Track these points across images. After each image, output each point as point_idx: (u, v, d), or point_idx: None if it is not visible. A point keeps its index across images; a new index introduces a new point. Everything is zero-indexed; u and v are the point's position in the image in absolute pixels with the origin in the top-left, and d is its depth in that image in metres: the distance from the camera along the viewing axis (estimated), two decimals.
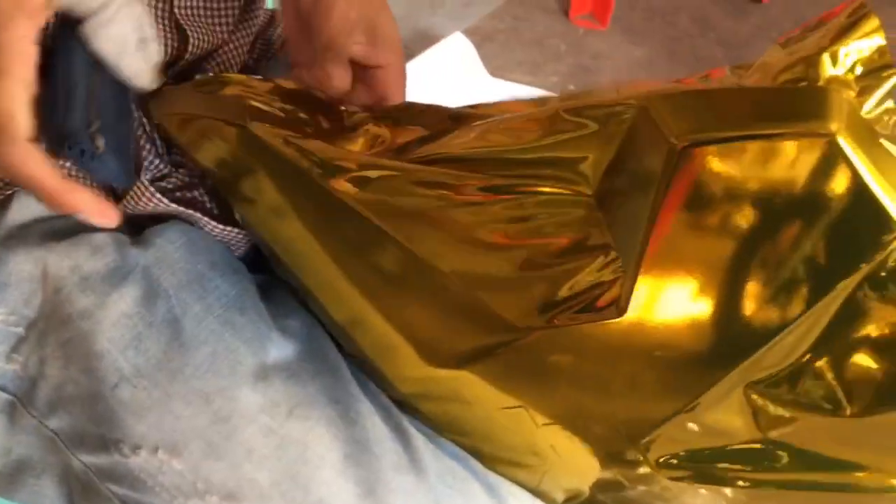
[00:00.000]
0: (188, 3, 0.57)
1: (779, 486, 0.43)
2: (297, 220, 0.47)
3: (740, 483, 0.43)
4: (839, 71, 0.37)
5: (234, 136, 0.47)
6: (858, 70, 0.37)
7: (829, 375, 0.40)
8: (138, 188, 0.51)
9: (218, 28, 0.59)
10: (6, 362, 0.51)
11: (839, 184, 0.34)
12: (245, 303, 0.51)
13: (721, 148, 0.34)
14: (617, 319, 0.38)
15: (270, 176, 0.47)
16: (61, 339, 0.50)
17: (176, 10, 0.56)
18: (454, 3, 2.04)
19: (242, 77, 0.52)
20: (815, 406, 0.40)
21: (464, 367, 0.45)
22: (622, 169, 0.39)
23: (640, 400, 0.42)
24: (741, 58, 2.06)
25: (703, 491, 0.44)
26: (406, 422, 0.50)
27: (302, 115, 0.51)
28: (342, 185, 0.44)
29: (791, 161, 0.34)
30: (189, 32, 0.57)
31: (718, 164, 0.34)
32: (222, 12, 0.60)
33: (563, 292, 0.39)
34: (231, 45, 0.63)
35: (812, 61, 0.37)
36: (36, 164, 0.40)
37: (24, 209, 0.53)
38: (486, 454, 0.49)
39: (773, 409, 0.40)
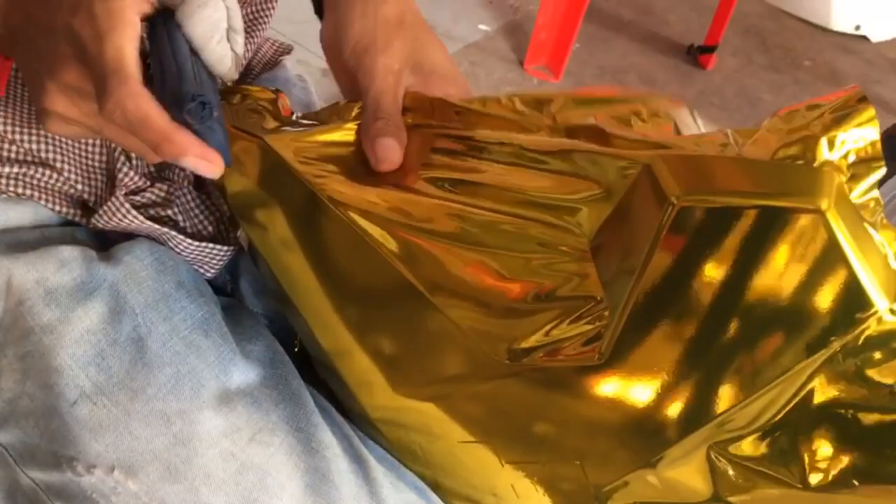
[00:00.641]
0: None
1: None
2: (302, 255, 0.48)
3: None
4: (834, 156, 0.40)
5: (256, 164, 0.48)
6: (851, 158, 0.40)
7: (792, 446, 0.42)
8: (113, 203, 0.51)
9: (258, 33, 0.61)
10: None
11: (825, 260, 0.36)
12: (210, 325, 0.51)
13: (716, 211, 0.36)
14: (591, 368, 0.40)
15: (284, 210, 0.48)
16: (20, 351, 0.49)
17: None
18: None
19: (256, 88, 0.53)
20: (775, 475, 0.42)
21: (432, 399, 0.46)
22: (619, 221, 0.41)
23: (606, 449, 0.43)
24: None
25: None
26: (367, 452, 0.50)
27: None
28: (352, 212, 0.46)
29: (785, 232, 0.36)
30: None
31: (714, 228, 0.36)
32: (265, 18, 0.62)
33: (548, 335, 0.41)
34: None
35: (810, 143, 0.40)
36: (148, 103, 0.40)
37: None
38: (447, 488, 0.49)
39: (734, 474, 0.42)
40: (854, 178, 0.40)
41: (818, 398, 0.41)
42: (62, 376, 0.48)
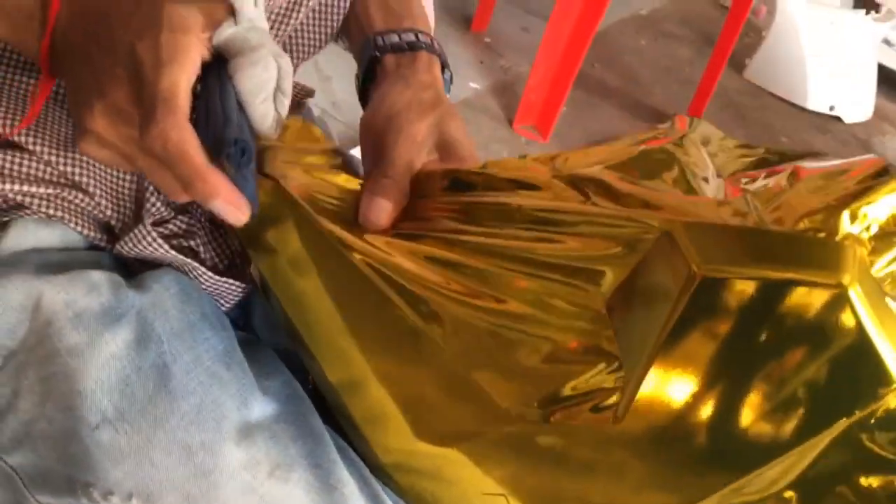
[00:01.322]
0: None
1: None
2: (316, 276, 0.48)
3: None
4: (856, 229, 0.41)
5: (269, 185, 0.49)
6: (874, 230, 0.41)
7: None
8: (139, 231, 0.52)
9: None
10: None
11: (845, 333, 0.37)
12: (232, 358, 0.51)
13: (738, 282, 0.37)
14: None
15: (297, 228, 0.48)
16: (43, 373, 0.49)
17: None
18: None
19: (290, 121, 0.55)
20: None
21: (452, 444, 0.46)
22: (637, 284, 0.42)
23: (622, 489, 0.43)
24: None
25: None
26: (382, 493, 0.50)
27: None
28: (362, 257, 0.47)
29: (806, 306, 0.37)
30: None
31: (736, 286, 0.37)
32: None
33: (565, 391, 0.41)
34: None
35: (832, 214, 0.41)
36: (191, 138, 0.40)
37: (20, 237, 0.52)
38: None
39: None
40: (875, 251, 0.41)
41: (835, 466, 0.42)
42: (85, 400, 0.48)
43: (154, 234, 0.52)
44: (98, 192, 0.53)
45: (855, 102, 2.82)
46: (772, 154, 0.57)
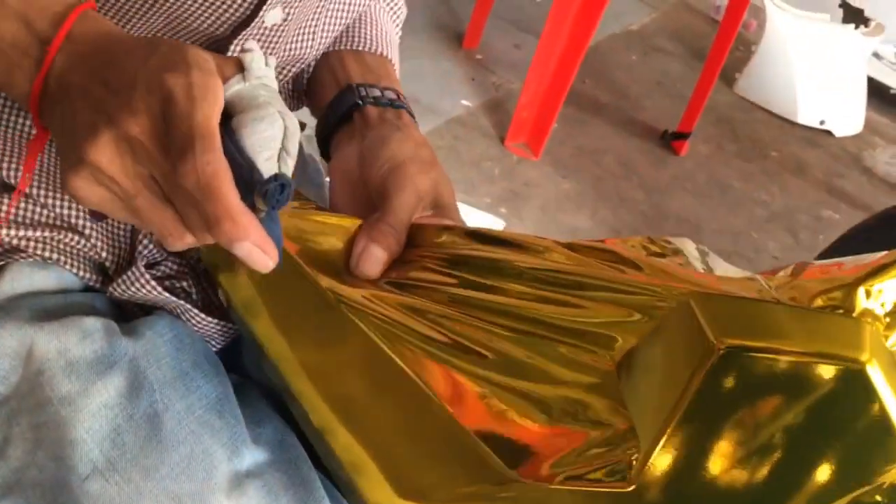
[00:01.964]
0: None
1: None
2: (269, 320, 0.48)
3: None
4: (872, 305, 0.41)
5: None
6: (889, 306, 0.42)
7: None
8: (133, 273, 0.52)
9: None
10: None
11: (864, 411, 0.37)
12: (224, 406, 0.51)
13: (757, 357, 0.37)
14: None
15: (248, 272, 0.48)
16: (35, 421, 0.49)
17: None
18: None
19: None
20: None
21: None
22: (650, 354, 0.41)
23: None
24: (660, 203, 2.20)
25: None
26: None
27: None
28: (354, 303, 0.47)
29: (824, 382, 0.37)
30: None
31: (753, 374, 0.37)
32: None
33: (571, 458, 0.41)
34: None
35: (849, 291, 0.41)
36: (226, 176, 0.39)
37: (15, 281, 0.52)
38: None
39: None
40: (890, 326, 0.41)
41: None
42: (76, 450, 0.48)
43: (147, 276, 0.52)
44: (94, 234, 0.54)
45: (845, 116, 2.84)
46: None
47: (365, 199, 0.57)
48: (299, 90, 0.68)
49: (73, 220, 0.53)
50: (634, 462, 0.39)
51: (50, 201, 0.52)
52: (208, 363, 0.53)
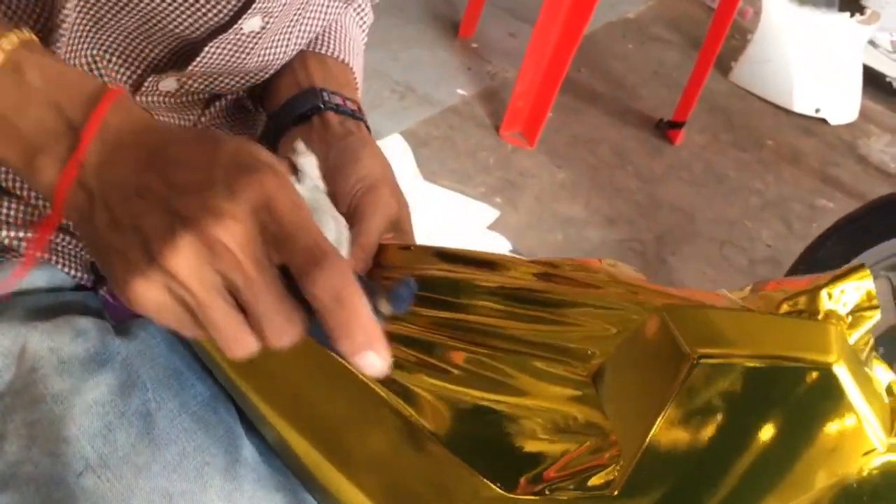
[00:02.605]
0: (152, 98, 0.59)
1: None
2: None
3: None
4: (835, 306, 0.42)
5: None
6: (850, 306, 0.43)
7: None
8: None
9: (179, 119, 0.62)
10: None
11: (834, 409, 0.39)
12: (219, 403, 0.52)
13: (730, 364, 0.38)
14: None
15: None
16: (29, 418, 0.50)
17: (138, 100, 0.58)
18: (392, 103, 2.11)
19: None
20: None
21: None
22: (626, 365, 0.42)
23: None
24: (655, 192, 2.21)
25: None
26: None
27: None
28: None
29: (795, 384, 0.38)
30: None
31: (727, 380, 0.38)
32: (187, 108, 0.62)
33: (557, 470, 0.42)
34: None
35: (812, 296, 0.42)
36: (356, 288, 0.37)
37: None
38: None
39: None
40: (852, 325, 0.42)
41: None
42: (70, 447, 0.49)
43: None
44: None
45: (840, 104, 2.84)
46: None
47: None
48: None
49: (65, 222, 0.53)
50: (618, 469, 0.40)
51: (41, 202, 0.53)
52: (201, 364, 0.54)
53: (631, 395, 0.41)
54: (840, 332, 0.40)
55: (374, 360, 0.37)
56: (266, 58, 0.58)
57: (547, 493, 0.42)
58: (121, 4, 0.50)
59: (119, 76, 0.56)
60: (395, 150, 1.71)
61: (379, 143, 0.61)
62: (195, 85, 0.58)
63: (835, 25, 2.79)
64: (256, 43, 0.55)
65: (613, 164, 2.26)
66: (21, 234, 0.53)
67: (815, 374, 0.38)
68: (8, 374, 0.51)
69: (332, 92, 0.61)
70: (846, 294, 0.42)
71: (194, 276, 0.37)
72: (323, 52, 0.64)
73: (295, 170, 0.43)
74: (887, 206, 1.38)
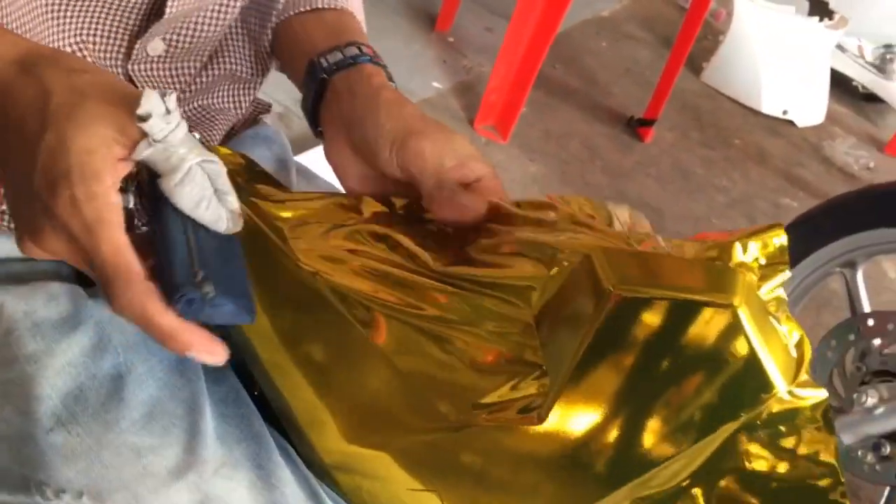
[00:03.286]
0: (144, 66, 0.61)
1: None
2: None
3: None
4: (747, 258, 0.46)
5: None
6: (762, 261, 0.47)
7: (701, 499, 0.48)
8: None
9: (173, 87, 0.64)
10: None
11: (736, 348, 0.43)
12: (185, 364, 0.55)
13: (646, 301, 0.42)
14: (532, 428, 0.45)
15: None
16: (2, 378, 0.52)
17: (129, 69, 0.60)
18: None
19: (227, 151, 0.56)
20: None
21: (379, 448, 0.50)
22: (561, 303, 0.46)
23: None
24: (623, 188, 2.25)
25: None
26: (322, 492, 0.54)
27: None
28: (306, 258, 0.50)
29: (703, 322, 0.42)
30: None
31: (644, 316, 0.42)
32: (179, 74, 0.64)
33: (494, 397, 0.46)
34: (182, 104, 0.66)
35: (726, 247, 0.46)
36: (154, 304, 0.41)
37: None
38: None
39: None
40: (763, 277, 0.46)
41: (727, 459, 0.48)
42: (41, 404, 0.51)
43: None
44: None
45: (807, 107, 2.90)
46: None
47: (381, 183, 0.58)
48: (263, 52, 0.69)
49: None
50: (545, 401, 0.44)
51: None
52: None
53: (561, 330, 0.45)
54: (747, 281, 0.44)
55: (201, 356, 0.42)
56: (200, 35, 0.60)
57: (481, 421, 0.46)
58: None
59: (107, 51, 0.59)
60: None
61: None
62: (180, 42, 0.60)
63: (804, 30, 2.85)
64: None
65: (584, 159, 2.30)
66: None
67: (720, 314, 0.42)
68: None
69: (330, 51, 0.61)
70: (759, 249, 0.46)
71: (56, 255, 0.43)
72: (317, 5, 0.65)
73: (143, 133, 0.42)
74: (843, 206, 1.43)
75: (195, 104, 0.67)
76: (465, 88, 2.32)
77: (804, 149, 2.79)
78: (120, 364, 0.53)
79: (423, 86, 2.26)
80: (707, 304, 0.43)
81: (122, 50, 0.59)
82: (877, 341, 1.25)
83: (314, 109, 0.62)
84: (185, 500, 0.51)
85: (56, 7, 0.54)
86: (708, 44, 3.01)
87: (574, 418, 0.45)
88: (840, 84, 3.10)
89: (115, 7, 0.56)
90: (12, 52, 0.45)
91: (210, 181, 0.43)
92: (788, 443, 0.48)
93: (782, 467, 0.48)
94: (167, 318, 0.41)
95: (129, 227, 0.42)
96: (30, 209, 0.43)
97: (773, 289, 0.47)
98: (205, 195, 0.43)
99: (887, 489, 1.27)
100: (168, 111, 0.41)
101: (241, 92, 0.70)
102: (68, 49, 0.57)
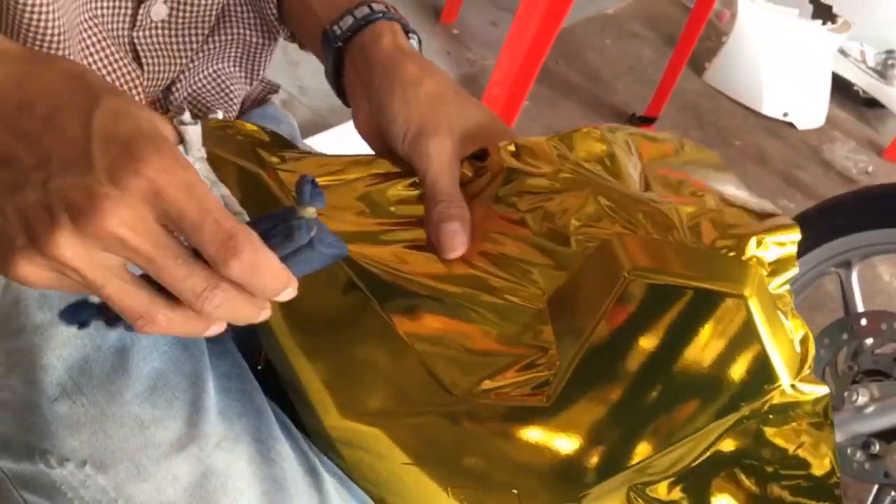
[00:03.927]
0: (148, 32, 0.61)
1: None
2: None
3: None
4: (759, 253, 0.47)
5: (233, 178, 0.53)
6: (773, 257, 0.48)
7: (701, 491, 0.49)
8: None
9: (177, 55, 0.64)
10: None
11: (744, 338, 0.44)
12: (189, 340, 0.56)
13: (659, 287, 0.43)
14: (537, 406, 0.46)
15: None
16: (9, 347, 0.53)
17: (134, 37, 0.61)
18: None
19: (253, 127, 0.56)
20: None
21: (374, 425, 0.51)
22: (575, 286, 0.47)
23: (532, 487, 0.49)
24: None
25: None
26: (321, 466, 0.55)
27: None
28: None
29: (713, 311, 0.43)
30: (144, 60, 0.62)
31: (655, 301, 0.44)
32: (183, 41, 0.64)
33: (505, 378, 0.47)
34: (194, 73, 0.67)
35: (742, 239, 0.47)
36: (270, 256, 0.37)
37: None
38: None
39: None
40: (773, 272, 0.47)
41: (725, 453, 0.49)
42: (46, 374, 0.52)
43: None
44: None
45: (808, 110, 2.91)
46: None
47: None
48: (269, 17, 0.67)
49: None
50: (553, 383, 0.45)
51: None
52: None
53: (574, 310, 0.46)
54: (760, 274, 0.45)
55: (287, 294, 0.38)
56: None
57: (491, 397, 0.47)
58: None
59: (114, 19, 0.59)
60: None
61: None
62: (185, 7, 0.60)
63: (807, 33, 2.86)
64: None
65: None
66: None
67: (731, 302, 0.43)
68: None
69: (341, 17, 0.59)
70: (771, 246, 0.47)
71: (82, 262, 0.35)
72: None
73: (181, 138, 0.41)
74: (839, 206, 1.44)
75: (210, 69, 0.68)
76: (468, 81, 2.33)
77: (803, 151, 2.80)
78: (125, 336, 0.54)
79: None
80: (719, 293, 0.44)
81: (128, 17, 0.60)
82: (869, 341, 1.26)
83: (337, 82, 0.61)
84: (186, 471, 0.52)
85: None
86: (711, 44, 3.02)
87: (579, 399, 0.46)
88: (841, 88, 3.11)
89: None
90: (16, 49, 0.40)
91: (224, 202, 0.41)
92: (789, 434, 0.49)
93: (781, 458, 0.49)
94: (278, 263, 0.37)
95: None
96: (37, 192, 0.35)
97: (781, 284, 0.48)
98: None
99: (875, 487, 1.28)
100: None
101: (253, 58, 0.70)
102: (80, 23, 0.57)
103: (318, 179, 0.38)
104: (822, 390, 0.47)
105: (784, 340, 0.46)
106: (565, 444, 0.47)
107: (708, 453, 0.49)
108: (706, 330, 0.44)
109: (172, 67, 0.65)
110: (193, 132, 0.41)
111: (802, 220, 1.47)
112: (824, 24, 2.86)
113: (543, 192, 0.51)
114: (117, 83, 0.61)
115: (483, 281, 0.50)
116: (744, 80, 2.85)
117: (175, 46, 0.64)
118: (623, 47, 2.91)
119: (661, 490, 0.50)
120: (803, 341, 0.47)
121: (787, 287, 0.48)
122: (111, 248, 0.35)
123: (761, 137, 2.77)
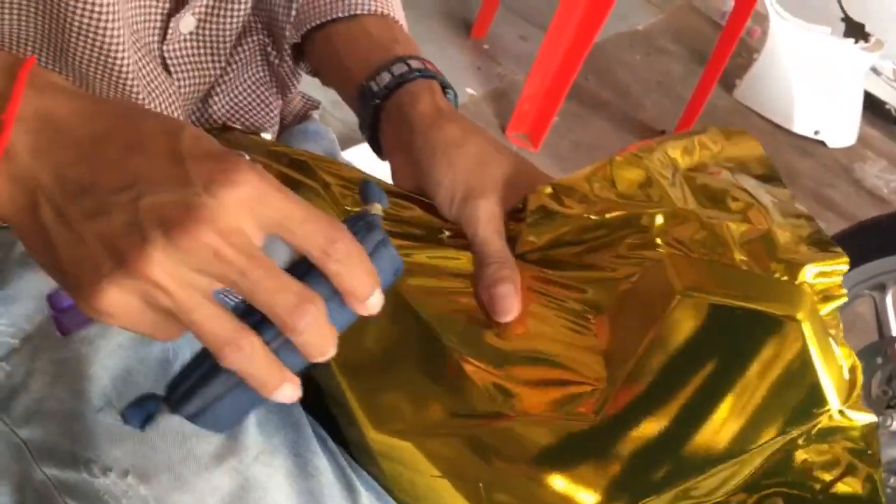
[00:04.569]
0: (177, 45, 0.62)
1: None
2: None
3: None
4: (811, 279, 0.48)
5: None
6: (822, 285, 0.48)
7: None
8: None
9: (206, 66, 0.65)
10: None
11: (796, 361, 0.44)
12: None
13: (714, 306, 0.44)
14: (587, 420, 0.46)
15: None
16: (55, 357, 0.54)
17: (164, 50, 0.62)
18: None
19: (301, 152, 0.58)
20: None
21: (407, 438, 0.52)
22: (631, 300, 0.48)
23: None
24: None
25: None
26: (357, 481, 0.56)
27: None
28: None
29: (767, 333, 0.44)
30: (174, 72, 0.63)
31: (708, 321, 0.44)
32: (211, 51, 0.64)
33: (551, 395, 0.48)
34: (230, 86, 0.68)
35: (794, 264, 0.48)
36: (359, 245, 0.37)
37: None
38: None
39: None
40: (824, 299, 0.48)
41: (774, 477, 0.49)
42: (92, 384, 0.53)
43: None
44: None
45: (840, 128, 2.89)
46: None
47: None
48: (285, 65, 0.69)
49: None
50: (600, 397, 0.46)
51: None
52: None
53: (626, 328, 0.47)
54: (813, 299, 0.45)
55: (374, 302, 0.38)
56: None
57: (535, 410, 0.47)
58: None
59: (147, 33, 0.60)
60: None
61: None
62: (213, 19, 0.61)
63: (839, 51, 2.84)
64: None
65: None
66: None
67: (785, 325, 0.44)
68: (38, 316, 0.55)
69: (378, 72, 0.59)
70: (824, 274, 0.47)
71: (174, 280, 0.34)
72: (355, 11, 0.63)
73: None
74: (873, 228, 1.43)
75: (245, 82, 0.69)
76: (498, 96, 2.34)
77: (834, 170, 2.78)
78: (168, 349, 0.55)
79: (457, 91, 2.27)
80: (774, 316, 0.44)
81: (157, 31, 0.61)
82: None
83: (373, 137, 0.62)
84: (226, 483, 0.53)
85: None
86: (742, 61, 3.01)
87: (626, 417, 0.46)
88: (873, 107, 3.08)
89: None
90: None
91: None
92: (835, 462, 0.49)
93: (826, 485, 0.49)
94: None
95: None
96: (126, 213, 0.35)
97: (831, 312, 0.48)
98: None
99: None
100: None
101: (278, 80, 0.71)
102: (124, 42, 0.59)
103: None
104: (870, 418, 0.47)
105: (834, 366, 0.46)
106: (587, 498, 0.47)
107: (754, 475, 0.49)
108: (759, 353, 0.44)
109: (203, 79, 0.66)
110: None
111: (838, 241, 1.46)
112: (857, 42, 2.84)
113: (588, 237, 0.52)
114: (159, 97, 0.62)
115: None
116: (775, 98, 2.83)
117: (204, 57, 0.65)
118: (653, 64, 2.91)
119: None
120: (851, 370, 0.47)
121: (836, 314, 0.48)
122: (203, 264, 0.34)
123: (792, 155, 2.75)
